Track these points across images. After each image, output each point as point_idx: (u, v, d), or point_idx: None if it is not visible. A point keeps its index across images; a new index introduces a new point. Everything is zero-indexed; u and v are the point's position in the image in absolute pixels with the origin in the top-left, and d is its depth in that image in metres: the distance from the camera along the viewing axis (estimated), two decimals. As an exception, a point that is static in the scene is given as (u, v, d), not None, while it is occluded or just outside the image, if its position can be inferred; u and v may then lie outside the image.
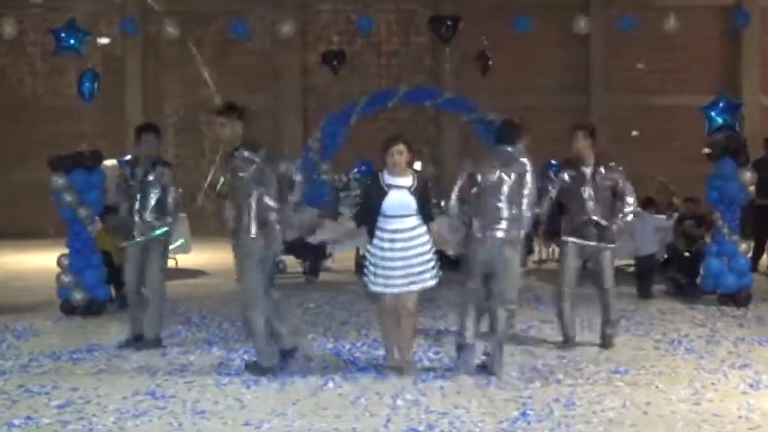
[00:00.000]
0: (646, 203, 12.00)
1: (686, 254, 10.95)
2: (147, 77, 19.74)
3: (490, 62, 16.74)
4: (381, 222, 6.87)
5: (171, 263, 13.51)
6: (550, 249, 14.07)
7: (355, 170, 14.00)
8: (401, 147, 6.86)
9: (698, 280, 10.63)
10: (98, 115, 19.53)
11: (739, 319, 9.33)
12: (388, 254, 6.83)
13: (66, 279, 9.96)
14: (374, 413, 6.03)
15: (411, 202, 6.86)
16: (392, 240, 6.83)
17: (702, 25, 19.48)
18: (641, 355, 7.72)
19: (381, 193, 6.87)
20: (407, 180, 6.89)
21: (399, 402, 6.25)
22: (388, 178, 6.90)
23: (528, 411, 6.03)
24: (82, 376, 7.16)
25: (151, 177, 8.09)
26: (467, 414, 6.01)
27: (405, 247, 6.83)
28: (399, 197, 6.85)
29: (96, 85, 10.76)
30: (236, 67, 19.80)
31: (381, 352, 7.71)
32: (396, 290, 6.85)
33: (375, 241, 6.91)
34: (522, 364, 7.33)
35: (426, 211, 6.99)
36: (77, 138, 17.91)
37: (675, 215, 12.22)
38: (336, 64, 17.08)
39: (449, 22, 15.80)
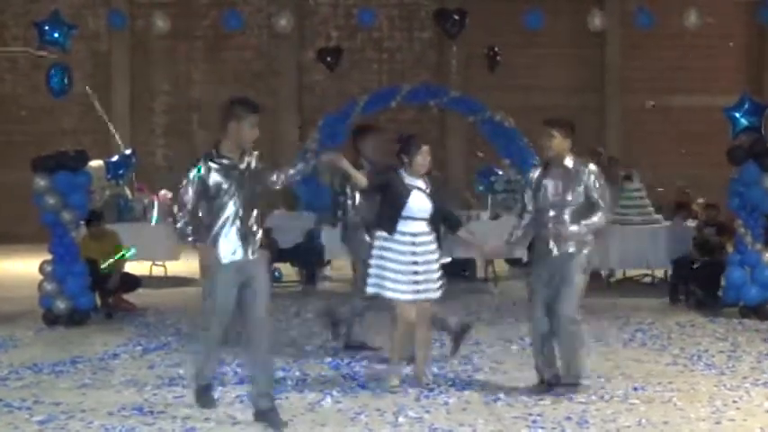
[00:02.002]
0: (678, 208, 12.05)
1: (699, 263, 10.94)
2: (136, 74, 19.78)
3: (498, 58, 16.81)
4: (399, 225, 6.93)
5: (160, 270, 13.62)
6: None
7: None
8: (428, 148, 7.03)
9: (719, 292, 10.63)
10: (83, 113, 19.61)
11: (762, 334, 9.32)
12: (409, 258, 6.89)
13: (49, 287, 9.97)
14: (375, 431, 6.05)
15: (430, 206, 6.97)
16: (413, 244, 6.91)
17: (726, 21, 19.49)
18: (658, 370, 7.72)
19: (402, 192, 6.92)
20: (423, 183, 7.02)
21: (401, 420, 6.26)
22: (408, 179, 6.97)
23: (538, 429, 6.04)
24: (65, 390, 7.17)
25: None
26: (473, 432, 6.03)
27: (425, 252, 6.94)
28: (422, 199, 6.95)
29: (67, 79, 10.75)
30: (229, 63, 19.86)
31: (383, 365, 7.72)
32: (428, 295, 6.97)
33: (392, 245, 6.92)
34: (532, 379, 7.32)
35: (452, 218, 7.27)
36: (61, 136, 18.03)
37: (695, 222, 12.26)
38: (331, 61, 17.14)
39: (455, 17, 15.83)
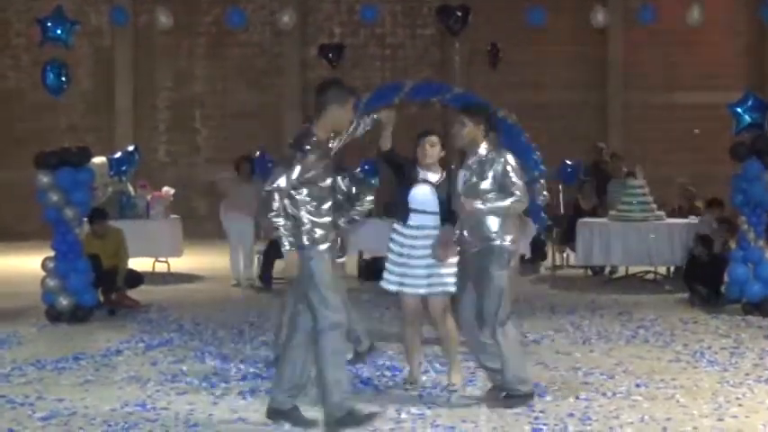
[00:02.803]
0: (711, 204, 12.02)
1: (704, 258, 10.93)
2: (139, 70, 19.77)
3: (500, 55, 16.82)
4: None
5: (162, 266, 13.63)
6: (564, 255, 14.09)
7: (358, 170, 14.00)
8: (434, 138, 6.94)
9: (721, 288, 10.62)
10: (86, 110, 19.63)
11: (765, 330, 9.31)
12: (409, 251, 6.85)
13: (52, 283, 9.97)
14: (377, 427, 6.04)
15: (432, 200, 6.86)
16: (414, 237, 6.86)
17: (730, 17, 19.44)
18: (661, 367, 7.72)
19: (410, 182, 6.89)
20: (435, 176, 6.93)
21: (404, 416, 6.26)
22: (422, 172, 6.95)
23: (541, 426, 6.04)
24: (68, 386, 7.17)
25: None
26: (475, 429, 6.02)
27: (427, 246, 6.82)
28: (423, 192, 6.88)
29: (64, 77, 10.75)
30: (232, 60, 19.84)
31: (386, 362, 7.73)
32: (420, 290, 6.89)
33: (396, 237, 6.94)
34: (535, 376, 7.32)
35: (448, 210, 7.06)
36: (64, 133, 18.03)
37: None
38: (333, 57, 17.15)
39: (458, 13, 15.81)
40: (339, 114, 6.01)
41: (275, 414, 6.07)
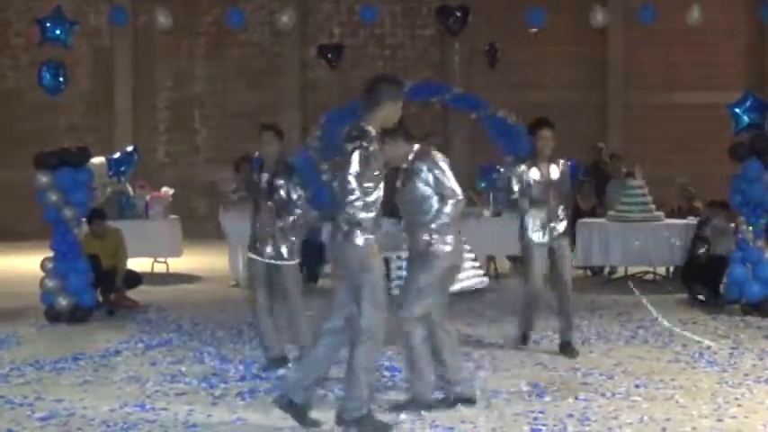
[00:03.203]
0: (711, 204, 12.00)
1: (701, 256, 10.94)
2: (138, 70, 19.78)
3: (498, 55, 16.84)
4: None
5: (162, 267, 13.63)
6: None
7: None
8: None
9: (720, 288, 10.62)
10: (86, 110, 19.64)
11: (764, 331, 9.31)
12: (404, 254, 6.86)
13: (51, 284, 9.97)
14: (376, 428, 6.03)
15: None
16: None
17: (729, 17, 19.44)
18: (660, 367, 7.72)
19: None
20: None
21: (403, 416, 6.26)
22: None
23: (539, 427, 6.04)
24: (67, 387, 7.17)
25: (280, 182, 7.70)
26: (474, 429, 6.02)
27: None
28: None
29: (61, 77, 10.75)
30: (232, 60, 19.85)
31: (385, 362, 7.73)
32: None
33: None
34: (534, 376, 7.33)
35: None
36: (63, 133, 18.05)
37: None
38: (332, 57, 17.16)
39: (457, 14, 15.83)
40: (392, 111, 6.02)
41: (288, 406, 5.96)
